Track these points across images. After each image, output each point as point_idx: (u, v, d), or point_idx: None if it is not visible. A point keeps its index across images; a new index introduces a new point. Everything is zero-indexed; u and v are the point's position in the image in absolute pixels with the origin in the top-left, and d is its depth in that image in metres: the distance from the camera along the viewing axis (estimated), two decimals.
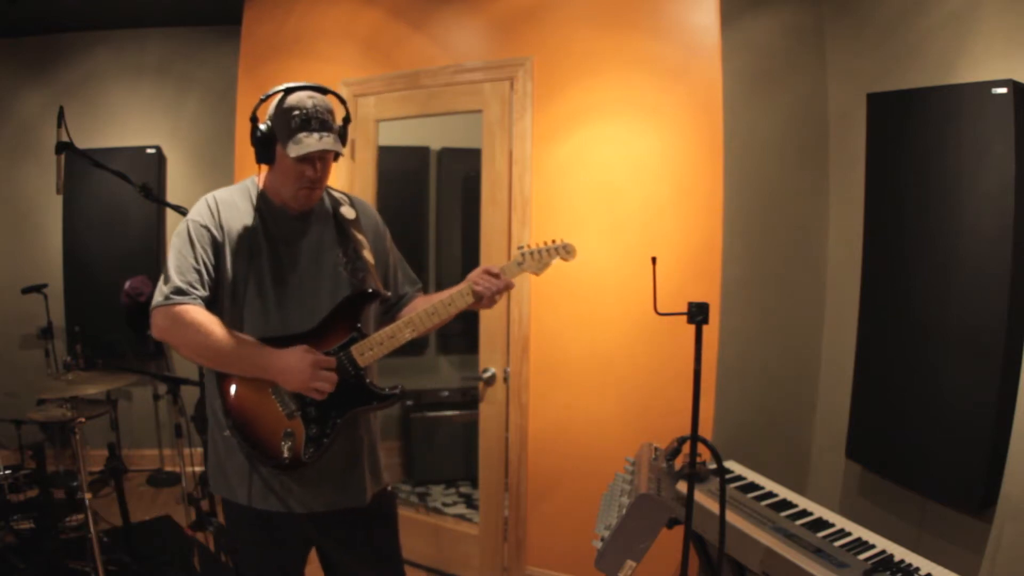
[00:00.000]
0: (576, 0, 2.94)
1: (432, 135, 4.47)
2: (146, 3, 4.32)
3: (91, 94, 4.74)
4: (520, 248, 1.91)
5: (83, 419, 2.91)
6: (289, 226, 1.82)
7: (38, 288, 4.44)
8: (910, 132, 2.49)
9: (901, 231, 2.55)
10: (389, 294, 2.01)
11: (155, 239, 4.68)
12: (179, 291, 1.69)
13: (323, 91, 1.79)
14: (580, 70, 2.93)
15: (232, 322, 1.75)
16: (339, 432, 1.77)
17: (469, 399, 4.10)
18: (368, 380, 1.81)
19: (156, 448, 4.84)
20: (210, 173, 4.70)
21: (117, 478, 3.36)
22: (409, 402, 4.39)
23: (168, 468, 4.79)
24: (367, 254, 1.87)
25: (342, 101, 1.85)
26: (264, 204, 1.82)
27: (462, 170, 4.42)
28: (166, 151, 4.78)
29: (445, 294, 1.85)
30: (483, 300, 1.85)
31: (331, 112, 1.75)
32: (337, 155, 1.77)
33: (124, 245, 4.60)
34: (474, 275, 1.86)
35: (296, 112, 1.70)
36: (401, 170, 4.36)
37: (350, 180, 3.37)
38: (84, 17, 4.55)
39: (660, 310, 1.80)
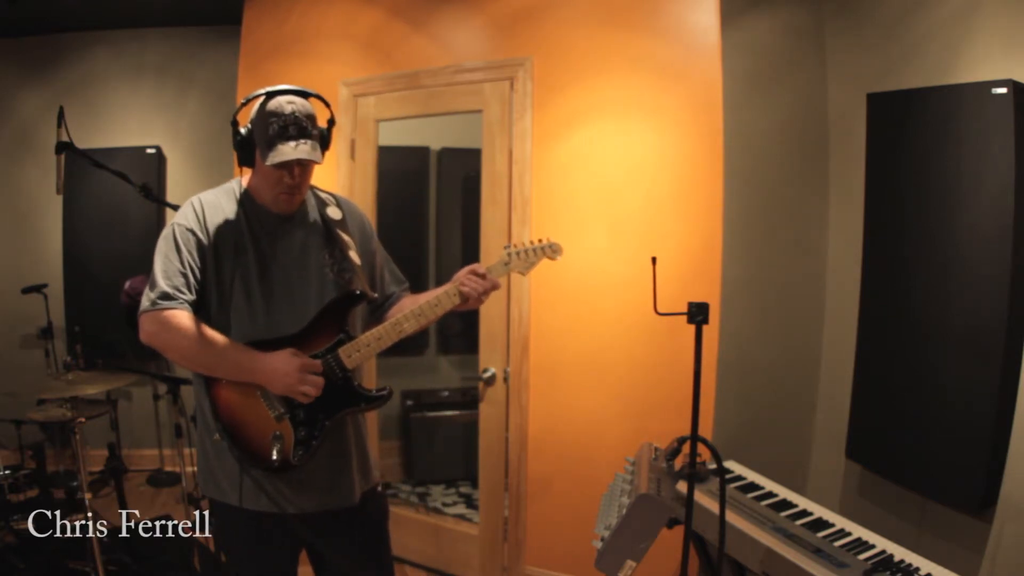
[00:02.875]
0: (576, 0, 2.94)
1: (432, 135, 4.47)
2: (146, 3, 4.32)
3: (91, 94, 4.74)
4: (507, 248, 1.91)
5: (83, 419, 2.91)
6: (274, 227, 1.82)
7: (38, 288, 4.44)
8: (910, 132, 2.49)
9: (901, 231, 2.55)
10: (376, 295, 2.01)
11: (155, 239, 4.64)
12: (165, 296, 1.69)
13: (305, 94, 1.76)
14: (580, 70, 2.93)
15: (220, 325, 1.75)
16: (328, 434, 1.78)
17: (469, 399, 4.10)
18: (356, 382, 1.81)
19: (156, 448, 4.84)
20: (210, 173, 4.70)
21: (117, 478, 3.36)
22: (409, 402, 4.39)
23: (168, 468, 4.79)
24: (353, 255, 1.86)
25: (326, 104, 1.83)
26: (249, 204, 1.81)
27: (462, 170, 4.42)
28: (166, 151, 4.78)
29: (432, 295, 1.85)
30: (470, 300, 1.85)
31: (311, 117, 1.73)
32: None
33: (124, 245, 4.59)
34: (460, 275, 1.85)
35: (273, 118, 1.68)
36: (401, 170, 4.36)
37: (350, 180, 3.37)
38: (84, 17, 4.55)
39: (660, 310, 1.80)
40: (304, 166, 1.75)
